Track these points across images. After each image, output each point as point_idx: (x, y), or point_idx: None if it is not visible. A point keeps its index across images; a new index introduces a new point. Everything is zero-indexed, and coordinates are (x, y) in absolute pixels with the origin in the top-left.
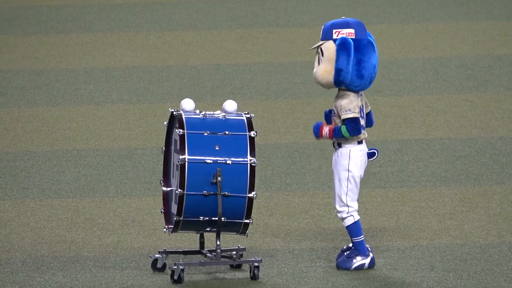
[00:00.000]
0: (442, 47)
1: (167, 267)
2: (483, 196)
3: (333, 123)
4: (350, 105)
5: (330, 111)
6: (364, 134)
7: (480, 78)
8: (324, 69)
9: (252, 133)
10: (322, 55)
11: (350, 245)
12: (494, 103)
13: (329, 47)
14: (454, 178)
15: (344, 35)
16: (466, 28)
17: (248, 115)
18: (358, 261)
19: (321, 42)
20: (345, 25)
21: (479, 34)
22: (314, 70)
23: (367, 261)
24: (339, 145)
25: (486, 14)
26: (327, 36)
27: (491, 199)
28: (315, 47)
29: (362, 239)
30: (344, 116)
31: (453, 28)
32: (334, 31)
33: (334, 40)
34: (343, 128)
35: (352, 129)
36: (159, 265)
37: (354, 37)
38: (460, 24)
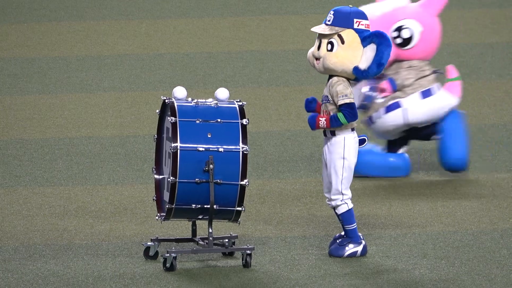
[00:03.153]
0: None
1: (159, 254)
2: (475, 183)
3: (323, 110)
4: (346, 91)
5: (312, 101)
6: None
7: (472, 66)
8: (345, 57)
9: (244, 121)
10: (342, 43)
11: (342, 233)
12: (486, 91)
13: (353, 36)
14: None
15: (363, 26)
16: (458, 16)
17: (240, 103)
18: (350, 248)
19: (338, 29)
20: (364, 16)
21: (471, 22)
22: (325, 53)
23: (359, 248)
24: (332, 133)
25: (478, 2)
26: (346, 23)
27: (483, 186)
28: (330, 32)
29: (355, 226)
30: (340, 102)
31: (445, 16)
32: (355, 20)
33: (357, 31)
34: (340, 115)
35: (349, 114)
36: (151, 253)
37: (369, 28)
38: (452, 12)
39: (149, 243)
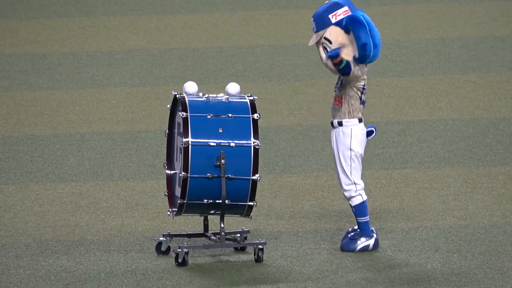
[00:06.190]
0: (445, 28)
1: (171, 250)
2: (487, 177)
3: (337, 95)
4: (358, 71)
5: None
6: (362, 111)
7: (482, 59)
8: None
9: (255, 116)
10: (330, 43)
11: (356, 227)
12: (497, 84)
13: (335, 32)
14: (458, 159)
15: (341, 16)
16: (468, 9)
17: (251, 98)
18: (362, 242)
19: (321, 33)
20: (338, 6)
21: (482, 15)
22: (325, 59)
23: (371, 242)
24: (340, 124)
25: None
26: (324, 23)
27: (495, 179)
28: (317, 40)
29: (367, 219)
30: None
31: (455, 9)
32: (330, 15)
33: (337, 23)
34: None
35: (347, 66)
36: (163, 248)
37: (350, 13)
38: (462, 5)
39: (161, 239)
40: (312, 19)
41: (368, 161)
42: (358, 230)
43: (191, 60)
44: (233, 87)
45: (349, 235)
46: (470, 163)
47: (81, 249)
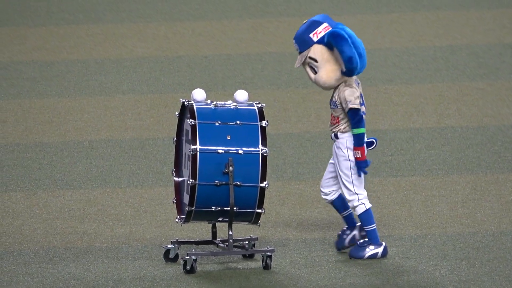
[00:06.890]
0: (453, 36)
1: (179, 257)
2: (495, 184)
3: (332, 115)
4: (350, 97)
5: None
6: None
7: (491, 66)
8: (327, 71)
9: (264, 123)
10: (316, 62)
11: (345, 227)
12: (505, 91)
13: (319, 50)
14: (466, 166)
15: (322, 33)
16: (476, 16)
17: (259, 105)
18: (371, 250)
19: (305, 53)
20: (317, 24)
21: (490, 22)
22: (314, 78)
23: (380, 250)
24: (336, 136)
25: (496, 2)
26: (307, 43)
27: (503, 186)
28: (302, 61)
29: (374, 227)
30: (346, 109)
31: (464, 17)
32: (311, 35)
33: (319, 41)
34: (354, 131)
35: (355, 122)
36: (171, 256)
37: (330, 28)
38: (471, 13)
39: (169, 246)
40: (294, 41)
41: (376, 168)
42: (365, 236)
43: (199, 68)
44: (241, 95)
45: (358, 242)
46: (478, 170)
47: (89, 256)
